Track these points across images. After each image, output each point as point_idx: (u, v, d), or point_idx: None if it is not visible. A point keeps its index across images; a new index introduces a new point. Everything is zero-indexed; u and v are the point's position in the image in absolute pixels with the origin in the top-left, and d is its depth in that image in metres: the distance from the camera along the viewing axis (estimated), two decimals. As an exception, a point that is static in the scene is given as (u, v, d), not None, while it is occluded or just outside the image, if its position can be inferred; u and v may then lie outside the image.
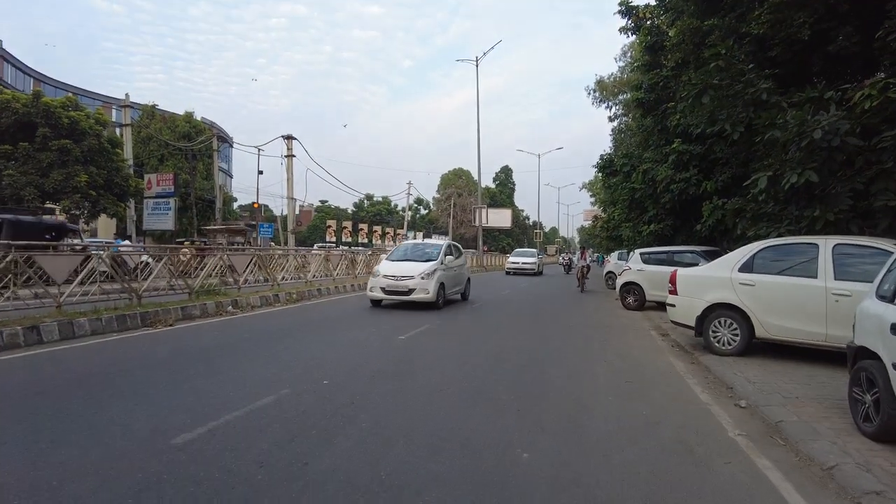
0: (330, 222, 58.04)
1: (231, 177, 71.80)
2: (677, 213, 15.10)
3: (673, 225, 15.30)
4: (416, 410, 4.63)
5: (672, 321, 8.17)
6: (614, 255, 23.54)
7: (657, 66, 17.01)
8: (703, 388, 5.81)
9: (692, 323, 7.57)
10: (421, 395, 5.17)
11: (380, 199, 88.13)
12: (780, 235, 7.63)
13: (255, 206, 38.32)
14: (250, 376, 5.69)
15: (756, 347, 7.25)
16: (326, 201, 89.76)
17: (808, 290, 6.49)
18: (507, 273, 31.20)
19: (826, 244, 6.53)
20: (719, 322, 7.29)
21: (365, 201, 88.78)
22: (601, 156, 19.24)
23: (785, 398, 5.06)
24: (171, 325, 9.09)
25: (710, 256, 12.66)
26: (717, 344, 7.30)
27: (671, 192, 13.98)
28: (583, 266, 19.86)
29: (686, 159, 13.93)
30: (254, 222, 41.11)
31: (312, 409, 4.59)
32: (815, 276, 6.48)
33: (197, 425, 4.06)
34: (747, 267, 7.13)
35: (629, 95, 39.20)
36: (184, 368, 6.06)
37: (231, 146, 64.43)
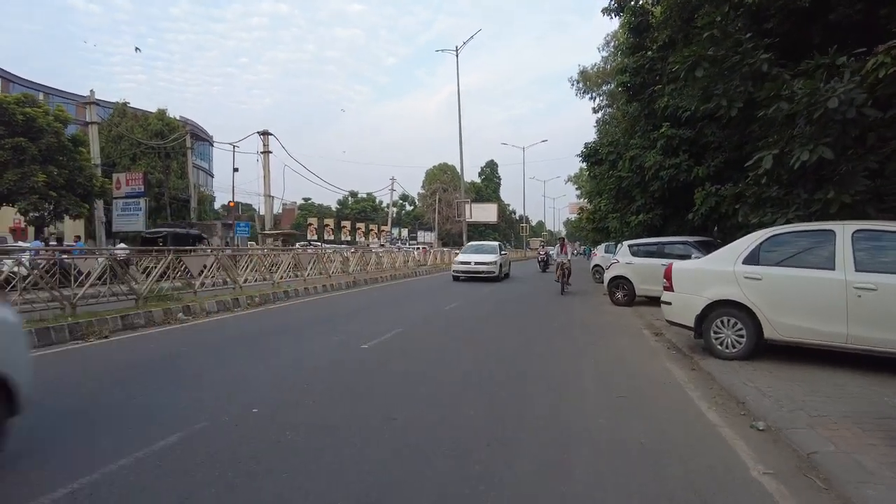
0: (311, 220, 56.65)
1: (212, 176, 70.04)
2: (667, 202, 14.27)
3: (663, 214, 14.47)
4: (347, 461, 3.65)
5: (668, 321, 7.27)
6: (601, 247, 22.74)
7: (642, 48, 16.18)
8: (709, 404, 4.91)
9: (691, 323, 6.68)
10: (367, 430, 4.20)
11: (364, 196, 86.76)
12: (787, 222, 6.75)
13: (231, 204, 37.00)
14: (165, 405, 4.67)
15: (765, 350, 6.38)
16: (310, 199, 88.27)
17: (824, 284, 5.62)
18: (455, 278, 20.81)
19: (844, 231, 5.66)
20: (722, 322, 6.40)
21: (349, 199, 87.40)
22: (585, 144, 18.36)
23: (811, 417, 4.16)
24: (105, 338, 8.03)
25: (704, 247, 11.83)
26: (719, 346, 6.42)
27: (660, 179, 13.12)
28: (562, 263, 15.28)
29: (675, 144, 13.08)
30: (230, 221, 39.83)
31: (223, 453, 3.60)
32: (833, 268, 5.60)
33: (58, 486, 3.06)
34: (753, 258, 6.25)
35: (613, 85, 38.55)
36: (89, 394, 5.03)
37: (211, 144, 62.72)
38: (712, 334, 6.47)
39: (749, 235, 6.50)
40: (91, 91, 31.27)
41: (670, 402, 4.97)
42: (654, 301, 13.17)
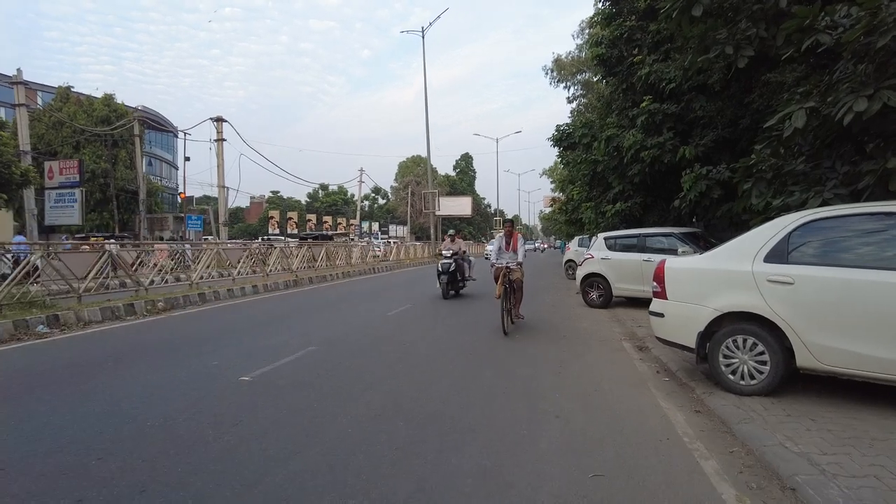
0: (273, 213, 53.99)
1: (176, 168, 66.45)
2: (648, 188, 12.52)
3: (643, 203, 12.73)
4: None
5: (658, 338, 5.42)
6: (575, 241, 20.95)
7: (620, 15, 14.39)
8: (736, 488, 3.06)
9: (690, 343, 4.86)
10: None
11: (335, 188, 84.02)
12: (824, 203, 4.95)
13: (182, 196, 34.28)
14: None
15: (790, 381, 4.59)
16: (278, 192, 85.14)
17: (892, 292, 3.83)
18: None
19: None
20: (735, 342, 4.59)
21: (319, 191, 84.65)
22: (557, 127, 16.42)
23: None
24: None
25: (692, 240, 10.10)
26: (730, 376, 4.61)
27: (641, 161, 11.34)
28: (506, 270, 8.04)
29: (658, 120, 11.30)
30: (182, 214, 37.17)
31: None
32: (904, 268, 3.83)
33: None
34: (779, 255, 4.43)
35: (588, 74, 37.13)
36: None
37: (176, 136, 59.06)
38: (721, 359, 4.66)
39: (772, 223, 4.66)
40: (18, 70, 28.23)
41: (674, 484, 3.10)
42: (633, 302, 11.45)
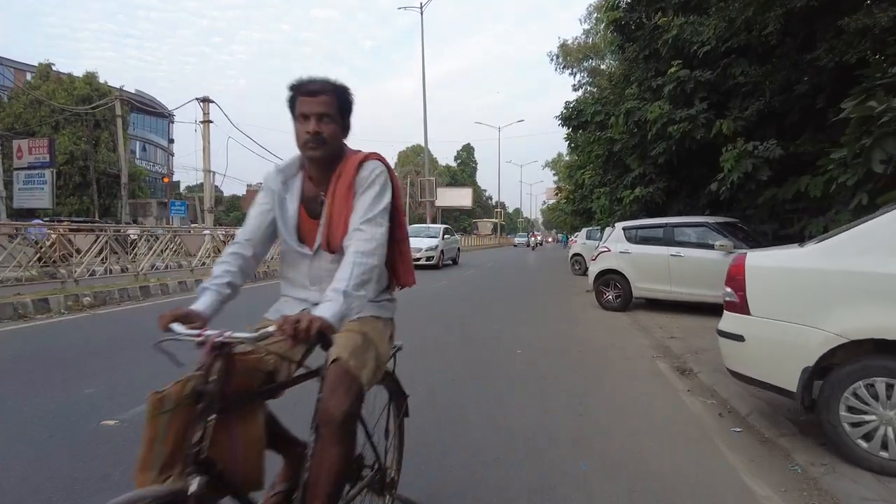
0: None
1: (172, 154, 64.38)
2: (674, 170, 10.73)
3: (667, 188, 10.92)
4: None
5: (733, 372, 3.65)
6: (582, 233, 19.07)
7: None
8: None
9: (790, 384, 3.11)
10: None
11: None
12: None
13: (166, 180, 32.50)
14: None
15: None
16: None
17: None
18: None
19: None
20: (871, 389, 2.84)
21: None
22: (566, 104, 14.58)
23: None
24: None
25: (730, 232, 8.36)
26: (861, 442, 2.87)
27: (668, 137, 9.55)
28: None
29: (690, 89, 9.50)
30: (166, 200, 35.40)
31: None
32: None
33: None
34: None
35: (594, 62, 35.22)
36: None
37: (171, 121, 57.01)
38: (845, 413, 2.91)
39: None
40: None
41: None
42: (655, 304, 9.72)
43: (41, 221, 16.65)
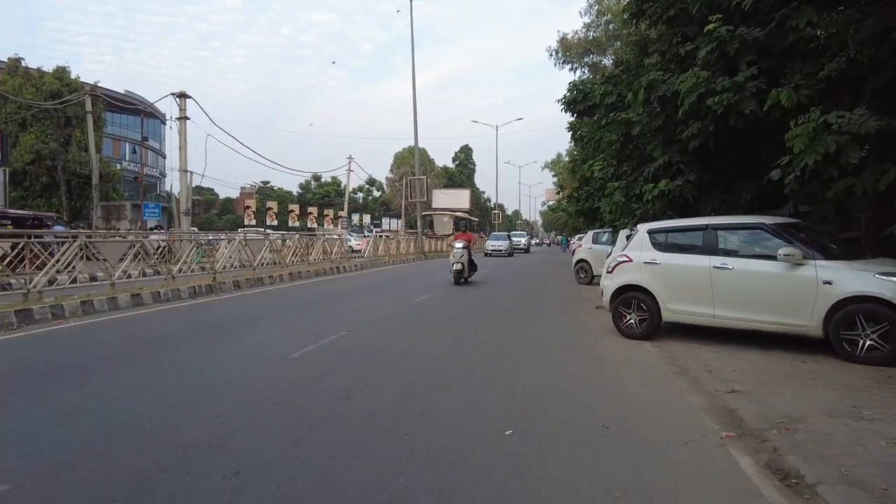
0: (249, 202, 49.99)
1: (164, 157, 62.08)
2: (709, 158, 8.53)
3: (699, 180, 8.68)
4: None
5: None
6: (588, 235, 16.67)
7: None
8: None
9: None
10: None
11: (328, 180, 79.85)
12: None
13: (139, 179, 30.21)
14: None
15: None
16: (269, 182, 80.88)
17: None
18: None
19: None
20: None
21: (312, 182, 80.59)
22: (571, 85, 12.34)
23: None
24: None
25: (791, 236, 6.18)
26: None
27: (706, 113, 7.38)
28: None
29: (734, 51, 7.31)
30: (138, 202, 33.14)
31: None
32: None
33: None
34: None
35: (595, 57, 33.08)
36: None
37: (163, 122, 54.70)
38: None
39: None
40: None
41: None
42: (690, 330, 7.46)
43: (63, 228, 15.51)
